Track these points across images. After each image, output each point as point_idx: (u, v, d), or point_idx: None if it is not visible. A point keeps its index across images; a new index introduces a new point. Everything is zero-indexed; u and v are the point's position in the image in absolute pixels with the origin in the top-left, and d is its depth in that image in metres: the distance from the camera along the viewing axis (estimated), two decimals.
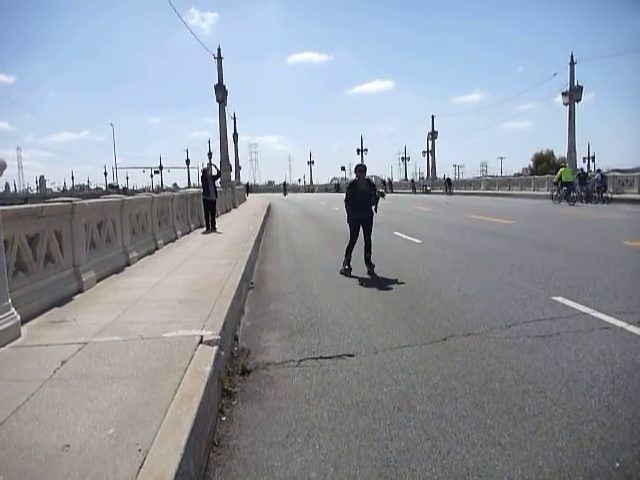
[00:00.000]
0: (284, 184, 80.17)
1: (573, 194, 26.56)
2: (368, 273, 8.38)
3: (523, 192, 38.06)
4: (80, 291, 6.46)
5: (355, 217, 8.76)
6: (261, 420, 3.47)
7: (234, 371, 4.34)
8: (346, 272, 8.45)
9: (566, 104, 35.95)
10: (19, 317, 4.66)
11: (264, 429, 3.34)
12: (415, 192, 57.28)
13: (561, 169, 27.62)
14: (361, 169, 8.87)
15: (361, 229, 8.78)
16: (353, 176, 9.25)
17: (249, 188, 72.03)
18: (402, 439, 3.12)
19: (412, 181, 67.90)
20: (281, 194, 65.08)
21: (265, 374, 4.30)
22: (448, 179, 53.65)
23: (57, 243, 6.19)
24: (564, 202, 26.23)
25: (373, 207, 8.78)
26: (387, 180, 70.99)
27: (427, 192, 55.50)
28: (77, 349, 4.16)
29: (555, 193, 27.42)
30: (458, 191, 48.94)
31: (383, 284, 7.66)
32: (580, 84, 35.52)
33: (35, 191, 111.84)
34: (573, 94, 35.37)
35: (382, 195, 9.00)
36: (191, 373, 3.53)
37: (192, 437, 2.70)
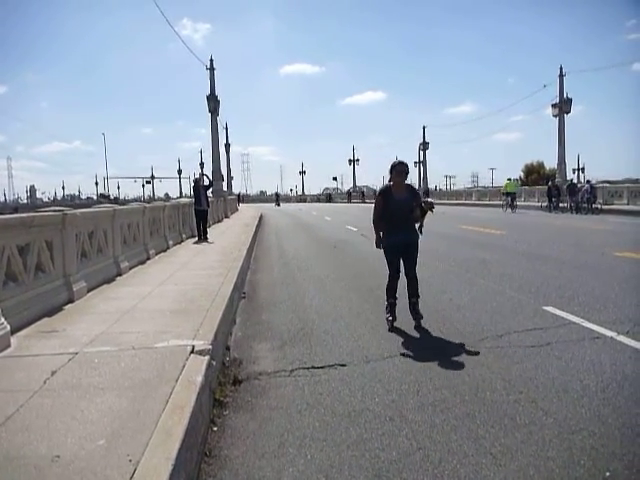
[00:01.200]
0: (277, 194, 76.96)
1: (562, 205, 27.38)
2: (415, 327, 5.75)
3: (526, 203, 38.25)
4: (71, 301, 6.42)
5: (392, 242, 5.85)
6: (253, 430, 3.46)
7: (226, 381, 4.33)
8: (389, 323, 5.84)
9: (556, 116, 36.36)
10: (9, 327, 4.63)
11: (256, 439, 3.33)
12: None
13: (506, 181, 33.37)
14: (401, 170, 5.78)
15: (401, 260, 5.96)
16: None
17: (241, 198, 72.09)
18: (394, 449, 3.12)
19: None
20: (273, 204, 64.13)
21: (257, 384, 4.29)
22: (426, 189, 56.05)
23: (48, 253, 6.16)
24: (556, 212, 26.85)
25: (417, 225, 5.92)
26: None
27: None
28: (67, 359, 4.13)
29: (503, 202, 31.92)
30: (449, 201, 49.18)
31: (375, 294, 7.67)
32: (570, 96, 36.00)
33: (25, 201, 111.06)
34: (563, 106, 35.79)
35: (430, 208, 5.87)
36: (182, 383, 3.52)
37: (183, 448, 2.69)
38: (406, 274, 5.90)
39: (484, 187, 75.60)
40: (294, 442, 3.26)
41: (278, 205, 61.66)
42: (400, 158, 6.01)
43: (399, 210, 5.75)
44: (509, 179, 34.14)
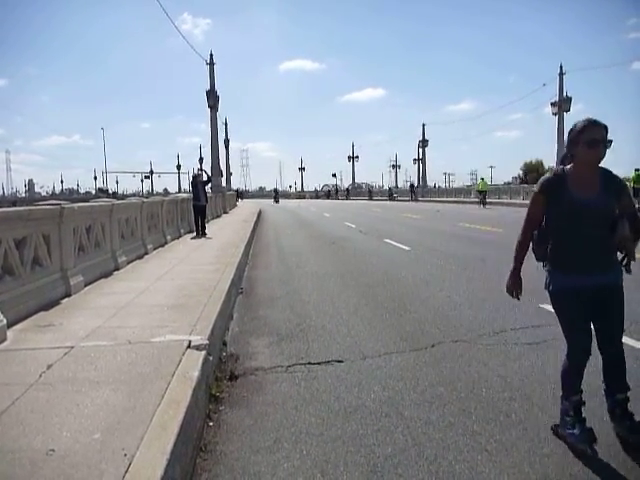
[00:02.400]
0: (275, 190, 72.21)
1: None
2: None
3: (513, 200, 38.31)
4: (68, 295, 6.41)
5: (571, 285, 3.18)
6: (248, 425, 3.46)
7: (222, 376, 4.33)
8: (581, 442, 3.01)
9: (555, 114, 36.42)
10: (5, 321, 4.63)
11: (251, 435, 3.33)
12: (391, 199, 58.60)
13: (479, 181, 37.77)
14: (596, 137, 2.96)
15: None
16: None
17: (241, 194, 71.79)
18: (389, 445, 3.12)
19: (390, 189, 69.52)
20: (272, 200, 62.12)
21: (253, 379, 4.29)
22: (412, 185, 59.77)
23: (45, 247, 6.14)
24: None
25: (621, 257, 3.15)
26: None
27: (392, 199, 57.60)
28: (63, 353, 4.13)
29: (478, 200, 36.21)
30: (448, 199, 49.22)
31: (372, 291, 7.68)
32: (569, 95, 36.04)
33: (24, 195, 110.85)
34: (562, 104, 35.84)
35: None
36: (178, 378, 3.51)
37: (178, 442, 2.68)
38: (601, 346, 3.19)
39: None
40: (290, 437, 3.26)
41: (277, 202, 58.60)
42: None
43: (587, 223, 3.03)
44: (482, 179, 40.17)
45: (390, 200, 56.80)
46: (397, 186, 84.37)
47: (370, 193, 69.39)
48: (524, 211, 3.44)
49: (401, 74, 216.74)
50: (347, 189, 78.09)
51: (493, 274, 8.65)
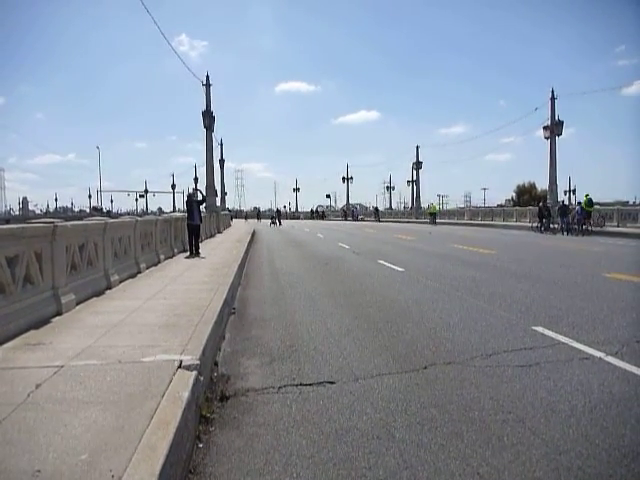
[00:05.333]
0: (277, 211, 60.64)
1: (553, 226, 28.09)
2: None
3: (505, 223, 38.54)
4: (59, 314, 6.36)
5: None
6: (239, 447, 3.42)
7: (213, 397, 4.29)
8: None
9: (547, 138, 36.73)
10: None
11: (242, 456, 3.29)
12: (349, 219, 66.06)
13: (430, 204, 50.49)
14: None
15: None
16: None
17: (238, 214, 71.12)
18: (380, 468, 3.09)
19: (376, 209, 73.91)
20: (268, 221, 57.11)
21: (244, 400, 4.25)
22: (376, 208, 68.72)
23: (37, 265, 6.11)
24: (547, 233, 27.61)
25: None
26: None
27: (357, 220, 64.47)
28: (53, 372, 4.08)
29: (429, 220, 45.74)
30: (441, 220, 49.47)
31: (365, 312, 7.67)
32: (561, 119, 36.44)
33: (17, 213, 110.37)
34: (554, 128, 36.17)
35: None
36: (168, 398, 3.48)
37: (167, 464, 2.65)
38: None
39: (476, 207, 76.21)
40: (280, 460, 3.22)
41: (279, 224, 50.72)
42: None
43: None
44: (432, 203, 54.53)
45: (355, 221, 63.29)
46: (391, 207, 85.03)
47: (345, 213, 73.76)
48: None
49: (394, 97, 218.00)
50: (343, 210, 78.21)
51: (485, 295, 8.67)
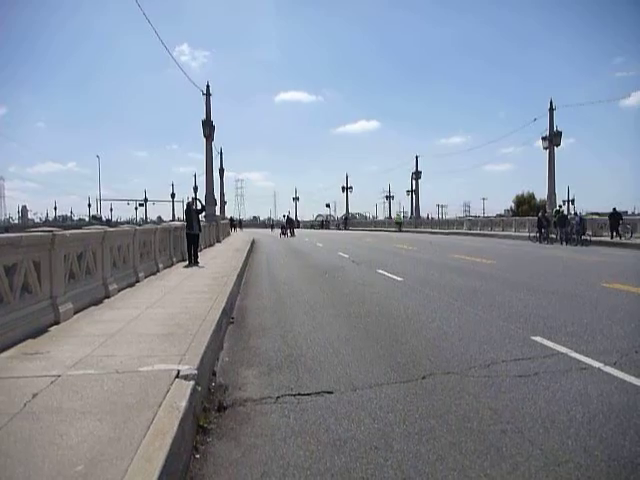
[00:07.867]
0: (288, 218, 51.84)
1: (552, 236, 28.22)
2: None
3: (505, 232, 38.55)
4: (57, 323, 6.35)
5: None
6: (236, 458, 3.40)
7: (210, 407, 4.27)
8: None
9: (546, 148, 36.84)
10: None
11: (239, 467, 3.27)
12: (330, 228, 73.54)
13: (395, 215, 59.97)
14: None
15: None
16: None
17: (240, 223, 71.30)
18: (378, 479, 3.07)
19: (346, 217, 79.95)
20: (268, 230, 54.82)
21: (242, 411, 4.23)
22: (345, 217, 75.67)
23: (35, 273, 6.11)
24: (546, 243, 27.89)
25: None
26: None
27: (324, 227, 74.12)
28: (50, 382, 4.07)
29: (395, 229, 52.95)
30: (440, 230, 49.58)
31: (364, 322, 7.65)
32: (560, 129, 36.56)
33: (17, 221, 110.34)
34: (553, 139, 36.29)
35: None
36: (165, 408, 3.46)
37: (163, 475, 2.64)
38: None
39: (475, 217, 76.53)
40: (277, 471, 3.20)
41: (290, 234, 44.82)
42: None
43: None
44: (397, 213, 64.21)
45: (322, 228, 72.43)
46: (390, 217, 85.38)
47: (322, 224, 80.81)
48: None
49: (394, 107, 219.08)
50: (345, 218, 78.19)
51: (485, 305, 8.66)
